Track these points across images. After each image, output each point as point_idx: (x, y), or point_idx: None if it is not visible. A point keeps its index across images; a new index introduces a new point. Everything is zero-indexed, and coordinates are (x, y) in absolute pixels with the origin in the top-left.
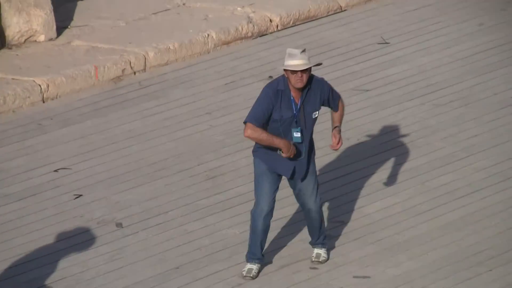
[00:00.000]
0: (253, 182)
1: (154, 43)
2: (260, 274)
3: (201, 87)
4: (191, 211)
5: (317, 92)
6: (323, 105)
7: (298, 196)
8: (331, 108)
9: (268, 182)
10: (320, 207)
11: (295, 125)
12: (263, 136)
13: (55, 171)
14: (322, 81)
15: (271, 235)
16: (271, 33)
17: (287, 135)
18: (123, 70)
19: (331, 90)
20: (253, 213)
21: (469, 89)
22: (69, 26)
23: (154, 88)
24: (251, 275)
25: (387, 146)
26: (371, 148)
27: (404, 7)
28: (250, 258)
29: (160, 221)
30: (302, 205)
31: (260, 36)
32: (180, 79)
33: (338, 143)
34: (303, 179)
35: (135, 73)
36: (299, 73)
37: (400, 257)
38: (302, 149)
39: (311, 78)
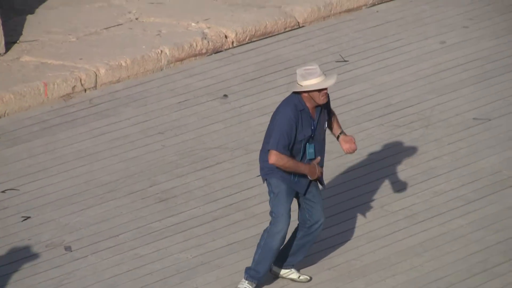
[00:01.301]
0: (270, 203)
1: (105, 59)
2: None
3: (153, 106)
4: (142, 234)
5: (327, 104)
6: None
7: (305, 211)
8: (330, 123)
9: (289, 201)
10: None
11: (311, 141)
12: (289, 164)
13: (3, 192)
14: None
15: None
16: (226, 49)
17: (302, 153)
18: (73, 88)
19: (329, 101)
20: (272, 230)
21: (430, 110)
22: (18, 41)
23: (105, 106)
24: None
25: (345, 168)
26: (329, 170)
27: (364, 23)
28: (252, 276)
29: (111, 245)
30: (309, 219)
31: (215, 53)
32: (132, 97)
33: (353, 143)
34: (312, 193)
35: (85, 90)
36: (325, 89)
37: (357, 283)
38: (322, 164)
39: None
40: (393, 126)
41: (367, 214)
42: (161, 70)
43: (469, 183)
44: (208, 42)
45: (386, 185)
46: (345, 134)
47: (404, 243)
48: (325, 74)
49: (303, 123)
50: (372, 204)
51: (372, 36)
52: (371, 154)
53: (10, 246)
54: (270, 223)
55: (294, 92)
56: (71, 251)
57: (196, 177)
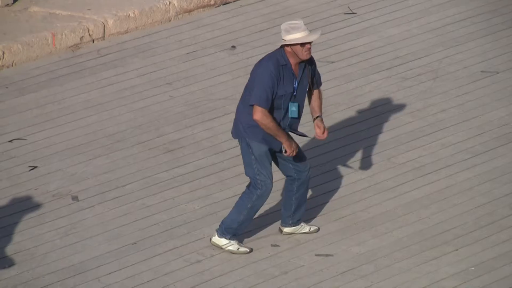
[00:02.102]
0: (247, 166)
1: (113, 10)
2: (220, 252)
3: (161, 57)
4: (149, 184)
5: (312, 65)
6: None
7: (289, 168)
8: (312, 87)
9: (270, 162)
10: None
11: (293, 99)
12: (272, 125)
13: (10, 141)
14: (312, 57)
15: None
16: (234, 1)
17: (284, 110)
18: (81, 38)
19: (315, 65)
20: (260, 194)
21: (438, 62)
22: None
23: (113, 56)
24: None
25: (352, 120)
26: (336, 122)
27: None
28: (234, 234)
29: (118, 195)
30: (295, 176)
31: (223, 4)
32: (140, 48)
33: (323, 133)
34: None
35: (93, 41)
36: (308, 44)
37: (364, 235)
38: (297, 124)
39: None
40: (401, 78)
41: (374, 166)
42: (169, 21)
43: (477, 135)
44: None
45: (393, 137)
46: (321, 120)
47: (411, 195)
48: (309, 30)
49: (284, 78)
50: (379, 156)
51: None
52: (379, 106)
53: (16, 195)
54: (254, 186)
55: (278, 48)
56: (78, 201)
57: (203, 128)
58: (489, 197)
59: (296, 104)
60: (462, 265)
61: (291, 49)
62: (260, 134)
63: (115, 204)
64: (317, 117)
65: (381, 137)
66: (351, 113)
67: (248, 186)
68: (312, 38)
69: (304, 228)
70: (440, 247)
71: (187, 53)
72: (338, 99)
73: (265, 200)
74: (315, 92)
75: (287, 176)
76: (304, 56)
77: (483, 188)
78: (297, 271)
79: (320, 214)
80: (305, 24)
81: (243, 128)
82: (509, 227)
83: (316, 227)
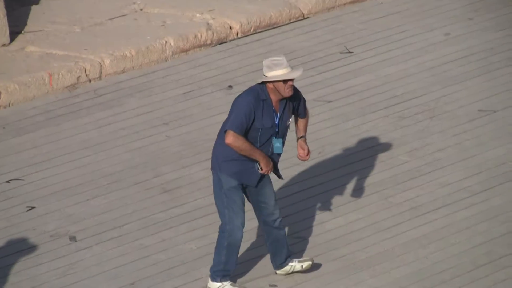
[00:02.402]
0: (217, 199)
1: (110, 50)
2: None
3: (158, 96)
4: (147, 225)
5: (293, 100)
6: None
7: (261, 208)
8: (298, 115)
9: (240, 197)
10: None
11: (276, 135)
12: (245, 146)
13: (7, 182)
14: (298, 89)
15: None
16: (231, 40)
17: (266, 146)
18: (78, 78)
19: (303, 98)
20: (230, 230)
21: (435, 101)
22: (22, 31)
23: (109, 96)
24: None
25: (350, 160)
26: (333, 162)
27: (369, 15)
28: (224, 275)
29: (115, 235)
30: (266, 219)
31: (220, 44)
32: (136, 88)
33: (307, 154)
34: (264, 189)
35: (90, 81)
36: (290, 81)
37: (362, 274)
38: (277, 159)
39: None
40: (398, 117)
41: (372, 205)
42: (166, 60)
43: (474, 174)
44: (212, 33)
45: (390, 176)
46: (305, 141)
47: (409, 235)
48: (291, 67)
49: (263, 112)
50: (376, 195)
51: (376, 28)
52: (376, 145)
53: (14, 236)
54: (224, 223)
55: (260, 84)
56: (76, 241)
57: (200, 167)
58: (486, 236)
59: (280, 140)
60: None
61: (273, 85)
62: (233, 169)
63: (113, 244)
64: (300, 137)
65: (378, 177)
66: (348, 152)
67: (220, 226)
68: (294, 75)
69: (296, 267)
70: (438, 286)
71: (184, 93)
72: (335, 139)
73: (240, 235)
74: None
75: (259, 221)
76: (286, 93)
77: (480, 227)
78: None
79: (318, 253)
80: (287, 61)
81: (216, 161)
82: (506, 267)
83: (309, 262)
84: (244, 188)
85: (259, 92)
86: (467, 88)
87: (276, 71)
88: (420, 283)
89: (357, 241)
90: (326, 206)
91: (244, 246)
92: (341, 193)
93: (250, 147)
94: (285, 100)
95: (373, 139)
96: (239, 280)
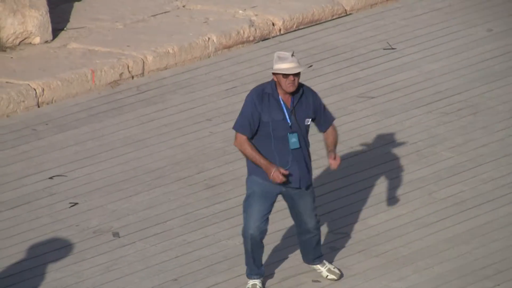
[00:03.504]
0: (243, 202)
1: (152, 47)
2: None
3: (201, 93)
4: (190, 220)
5: (309, 99)
6: (314, 118)
7: (295, 216)
8: (319, 127)
9: (261, 203)
10: (319, 225)
11: (290, 130)
12: (249, 151)
13: (50, 178)
14: (313, 91)
15: (272, 246)
16: (273, 37)
17: (283, 142)
18: (120, 74)
19: (323, 105)
20: (244, 234)
21: (478, 97)
22: (65, 28)
23: (152, 93)
24: None
25: (393, 156)
26: (376, 158)
27: (411, 11)
28: (249, 274)
29: (158, 231)
30: (299, 228)
31: (262, 40)
32: (179, 84)
33: (335, 159)
34: (301, 199)
35: (133, 77)
36: (291, 76)
37: (405, 270)
38: (301, 157)
39: (301, 85)
40: (441, 113)
41: (415, 201)
42: (209, 57)
43: None
44: (255, 29)
45: (433, 172)
46: (333, 151)
47: (452, 230)
48: (299, 64)
49: (269, 106)
50: (420, 191)
51: (419, 24)
52: (419, 141)
53: (57, 232)
54: (243, 226)
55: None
56: (119, 237)
57: (243, 164)
58: None
59: (295, 134)
60: None
61: (277, 79)
62: (258, 172)
63: (156, 240)
64: (330, 151)
65: (421, 172)
66: (391, 148)
67: None
68: (292, 71)
69: (322, 272)
70: (481, 282)
71: (227, 89)
72: (377, 135)
73: (251, 242)
74: (330, 129)
75: (296, 223)
76: (286, 88)
77: None
78: None
79: (360, 249)
80: (297, 58)
81: (246, 164)
82: None
83: (334, 277)
84: (280, 194)
85: (264, 87)
86: (510, 84)
87: (279, 65)
88: (463, 278)
89: (400, 236)
90: (369, 202)
91: (289, 241)
92: (383, 189)
93: (253, 154)
94: (298, 96)
95: (416, 135)
96: (281, 275)
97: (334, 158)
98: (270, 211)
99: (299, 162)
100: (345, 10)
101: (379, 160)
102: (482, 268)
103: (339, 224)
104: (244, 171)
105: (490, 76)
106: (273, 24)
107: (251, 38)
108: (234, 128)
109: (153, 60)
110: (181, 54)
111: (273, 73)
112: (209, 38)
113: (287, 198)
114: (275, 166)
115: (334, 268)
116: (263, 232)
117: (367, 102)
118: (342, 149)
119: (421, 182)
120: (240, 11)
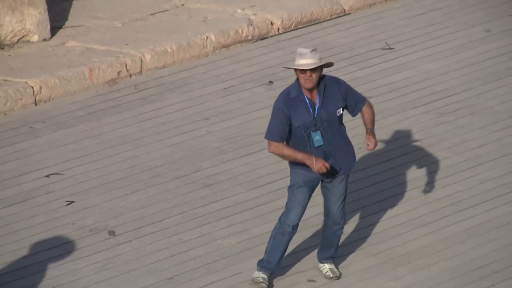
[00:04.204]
0: (288, 192)
1: (151, 45)
2: None
3: (199, 92)
4: (186, 219)
5: (334, 88)
6: (345, 106)
7: (327, 208)
8: (353, 112)
9: (299, 196)
10: (344, 219)
11: (314, 128)
12: (286, 151)
13: (47, 176)
14: (336, 79)
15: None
16: (272, 36)
17: (309, 141)
18: (118, 73)
19: (350, 89)
20: (279, 224)
21: (476, 97)
22: (63, 26)
23: (150, 91)
24: (266, 284)
25: (390, 155)
26: (373, 157)
27: (410, 11)
28: (263, 266)
29: (155, 230)
30: (327, 220)
31: (261, 40)
32: (177, 83)
33: (371, 141)
34: (333, 193)
35: (131, 76)
36: (308, 72)
37: (400, 270)
38: (331, 152)
39: (322, 77)
40: (439, 113)
41: (411, 201)
42: (207, 56)
43: None
44: (254, 28)
45: (430, 172)
46: (371, 132)
47: (448, 230)
48: (318, 59)
49: (298, 110)
50: (416, 191)
51: (418, 24)
52: (416, 141)
53: (54, 230)
54: (282, 214)
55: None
56: (115, 236)
57: (240, 163)
58: None
59: (318, 132)
60: None
61: (296, 75)
62: (298, 164)
63: (152, 239)
64: (367, 129)
65: (418, 172)
66: (388, 148)
67: None
68: (306, 67)
69: (324, 269)
70: (477, 282)
71: (225, 88)
72: (375, 134)
73: (286, 234)
74: (363, 108)
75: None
76: (304, 83)
77: None
78: None
79: (357, 248)
80: (314, 52)
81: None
82: None
83: (332, 277)
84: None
85: (290, 91)
86: (507, 85)
87: (297, 61)
88: (459, 278)
89: (396, 236)
90: (366, 202)
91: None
92: (380, 188)
93: (291, 152)
94: (322, 91)
95: (414, 135)
96: (278, 274)
97: (369, 140)
98: (309, 201)
99: (335, 154)
100: (344, 9)
101: (377, 159)
102: (478, 268)
103: None
104: (241, 170)
105: (488, 76)
106: (271, 23)
107: (250, 37)
108: (266, 137)
109: (151, 59)
110: (179, 52)
111: (295, 70)
112: (207, 37)
113: (324, 189)
114: (313, 155)
115: (336, 269)
116: (298, 219)
117: None
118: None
119: (418, 182)
120: (239, 10)
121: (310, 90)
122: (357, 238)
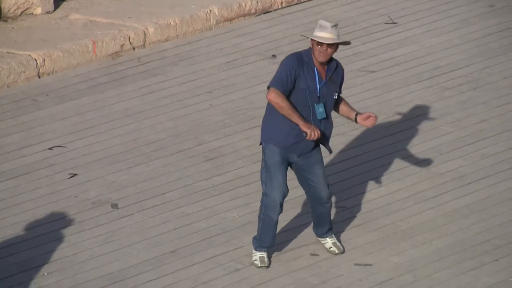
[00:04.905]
0: (261, 170)
1: (154, 18)
2: None
3: (202, 65)
4: (189, 193)
5: (339, 74)
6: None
7: (309, 187)
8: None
9: (281, 172)
10: (331, 194)
11: (317, 100)
12: (285, 104)
13: (50, 149)
14: (343, 68)
15: None
16: (275, 10)
17: (313, 110)
18: (121, 46)
19: (343, 79)
20: (266, 204)
21: (479, 72)
22: None
23: (153, 64)
24: (266, 265)
25: (393, 130)
26: (376, 132)
27: None
28: (259, 245)
29: (157, 203)
30: (313, 198)
31: (264, 13)
32: (180, 56)
33: (370, 117)
34: (314, 168)
35: (134, 49)
36: (324, 45)
37: (403, 244)
38: (328, 127)
39: (335, 60)
40: (441, 88)
41: (414, 175)
42: (210, 29)
43: None
44: (257, 2)
45: (433, 147)
46: (360, 113)
47: (451, 205)
48: (337, 36)
49: (306, 74)
50: (419, 165)
51: None
52: (419, 116)
53: (56, 203)
54: (263, 194)
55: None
56: (117, 209)
57: (243, 136)
58: None
59: (321, 105)
60: (501, 276)
61: (312, 46)
62: (277, 139)
63: (154, 212)
64: (356, 114)
65: (421, 147)
66: (391, 122)
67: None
68: (326, 41)
69: (327, 243)
70: (480, 257)
71: (228, 62)
72: (378, 109)
73: (276, 211)
74: (343, 101)
75: (306, 196)
76: (317, 56)
77: None
78: (336, 281)
79: (359, 223)
80: (335, 28)
81: (262, 132)
82: None
83: (336, 251)
84: (290, 164)
85: (302, 55)
86: (510, 60)
87: (317, 33)
88: (461, 253)
89: (399, 211)
90: (368, 176)
91: (288, 215)
92: (383, 163)
93: (290, 106)
94: (332, 70)
95: (416, 110)
96: (280, 249)
97: (369, 116)
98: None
99: (325, 135)
100: None
101: (379, 134)
102: (481, 243)
103: (338, 198)
104: (244, 144)
105: (491, 51)
106: None
107: (253, 11)
108: (270, 85)
109: (155, 32)
110: (183, 26)
111: (311, 40)
112: (210, 11)
113: (297, 168)
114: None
115: (339, 243)
116: (285, 196)
117: (367, 76)
118: (342, 123)
119: (421, 156)
120: None
121: (321, 64)
122: (360, 212)
